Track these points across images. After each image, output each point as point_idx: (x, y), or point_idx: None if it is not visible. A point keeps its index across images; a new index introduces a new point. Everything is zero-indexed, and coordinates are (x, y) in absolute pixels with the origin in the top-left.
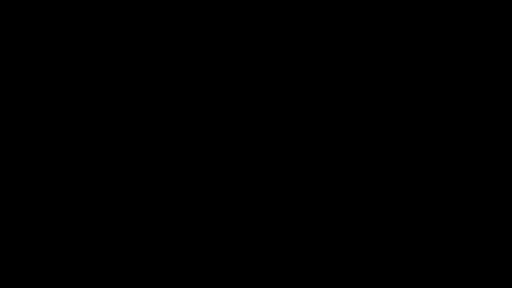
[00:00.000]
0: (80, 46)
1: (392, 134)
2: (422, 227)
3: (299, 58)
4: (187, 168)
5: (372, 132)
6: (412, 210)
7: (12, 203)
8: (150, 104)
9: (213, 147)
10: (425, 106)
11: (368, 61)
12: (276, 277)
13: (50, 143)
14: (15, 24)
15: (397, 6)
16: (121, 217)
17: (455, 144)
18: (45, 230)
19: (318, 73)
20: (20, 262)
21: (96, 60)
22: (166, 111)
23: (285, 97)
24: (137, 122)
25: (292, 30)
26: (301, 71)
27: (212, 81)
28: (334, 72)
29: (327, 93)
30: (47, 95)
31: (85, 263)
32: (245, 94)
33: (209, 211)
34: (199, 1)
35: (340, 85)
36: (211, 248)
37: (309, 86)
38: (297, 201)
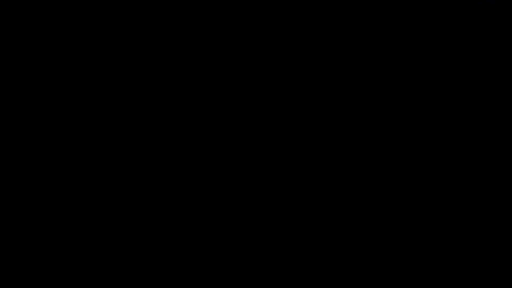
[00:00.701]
0: (80, 46)
1: (392, 134)
2: (422, 227)
3: (299, 58)
4: (187, 168)
5: (372, 132)
6: (412, 210)
7: (12, 203)
8: (150, 104)
9: (213, 147)
10: (425, 106)
11: (368, 61)
12: (276, 277)
13: (50, 143)
14: (15, 24)
15: (397, 6)
16: (121, 217)
17: (455, 144)
18: (45, 230)
19: (318, 73)
20: (20, 262)
21: (96, 60)
22: (166, 111)
23: (285, 97)
24: (137, 122)
25: (292, 30)
26: (301, 71)
27: (212, 81)
28: (334, 72)
29: (327, 93)
30: (47, 95)
31: (85, 263)
32: (245, 94)
33: (209, 211)
34: (199, 1)
35: (340, 85)
36: (211, 248)
37: (309, 86)
38: (297, 201)
